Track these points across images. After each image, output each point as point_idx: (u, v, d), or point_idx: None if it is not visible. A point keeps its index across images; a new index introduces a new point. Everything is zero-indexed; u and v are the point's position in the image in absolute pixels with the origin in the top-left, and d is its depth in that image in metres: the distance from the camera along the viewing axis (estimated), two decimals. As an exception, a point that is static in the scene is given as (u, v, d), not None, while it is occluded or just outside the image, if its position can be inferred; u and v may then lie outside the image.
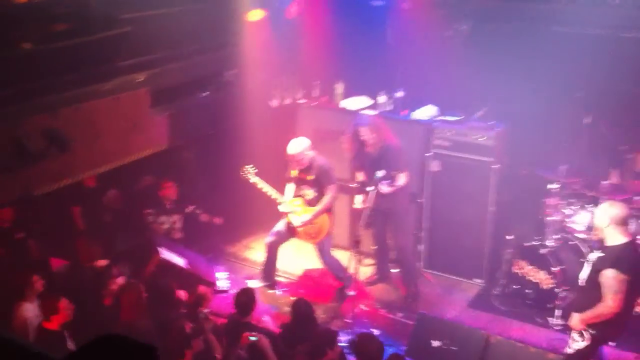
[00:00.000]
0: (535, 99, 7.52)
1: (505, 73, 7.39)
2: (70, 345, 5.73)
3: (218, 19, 7.78)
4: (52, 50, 6.15)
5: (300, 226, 7.42)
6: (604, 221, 5.32)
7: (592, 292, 5.29)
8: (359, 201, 7.33)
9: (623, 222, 5.27)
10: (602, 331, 5.34)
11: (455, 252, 7.84)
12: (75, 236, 7.61)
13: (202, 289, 6.58)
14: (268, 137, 7.90)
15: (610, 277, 5.13)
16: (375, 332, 6.94)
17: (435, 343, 6.33)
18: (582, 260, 6.76)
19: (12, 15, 6.09)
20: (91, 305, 6.34)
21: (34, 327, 5.99)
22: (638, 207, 6.81)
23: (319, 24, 8.46)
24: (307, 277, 8.05)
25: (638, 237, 5.84)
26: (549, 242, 7.13)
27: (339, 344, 5.84)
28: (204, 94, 8.08)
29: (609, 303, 5.15)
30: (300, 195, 7.44)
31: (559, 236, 7.19)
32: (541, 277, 7.09)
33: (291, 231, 7.56)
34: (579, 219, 7.11)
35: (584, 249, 6.99)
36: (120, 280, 6.56)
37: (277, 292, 7.80)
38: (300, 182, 7.40)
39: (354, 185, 8.00)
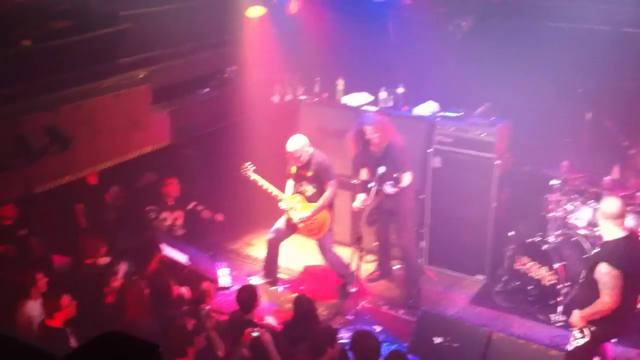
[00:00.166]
0: (537, 95, 7.49)
1: (507, 69, 7.36)
2: (73, 342, 5.73)
3: (218, 16, 7.76)
4: (52, 47, 6.14)
5: (301, 222, 7.41)
6: (600, 216, 5.36)
7: (590, 288, 5.29)
8: (360, 200, 7.29)
9: (619, 217, 5.26)
10: (602, 328, 5.32)
11: (457, 249, 7.83)
12: (77, 233, 7.60)
13: (204, 286, 6.58)
14: (269, 133, 7.89)
15: (603, 272, 5.13)
16: (377, 329, 6.96)
17: (437, 340, 6.32)
18: (584, 256, 6.78)
19: (12, 13, 6.08)
20: (93, 302, 6.34)
21: (38, 324, 6.01)
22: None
23: (320, 20, 8.44)
24: (309, 274, 8.04)
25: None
26: (551, 239, 7.11)
27: (340, 342, 5.84)
28: (204, 91, 8.07)
29: (606, 299, 5.14)
30: (300, 192, 7.43)
31: (561, 232, 7.18)
32: (543, 274, 7.07)
33: (292, 228, 7.56)
34: (581, 215, 7.09)
35: (586, 245, 6.98)
36: (122, 277, 6.56)
37: (279, 289, 7.80)
38: (299, 178, 7.40)
39: (356, 181, 8.02)
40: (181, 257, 7.35)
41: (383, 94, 8.16)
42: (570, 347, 5.53)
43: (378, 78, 8.27)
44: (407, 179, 7.07)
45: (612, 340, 5.85)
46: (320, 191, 7.35)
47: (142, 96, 7.03)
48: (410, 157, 7.34)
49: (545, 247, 7.04)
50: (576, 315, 5.40)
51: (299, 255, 8.35)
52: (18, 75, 5.87)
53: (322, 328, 5.98)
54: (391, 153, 7.07)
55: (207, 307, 6.24)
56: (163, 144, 7.44)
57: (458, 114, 7.80)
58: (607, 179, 7.05)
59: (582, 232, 7.09)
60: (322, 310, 6.99)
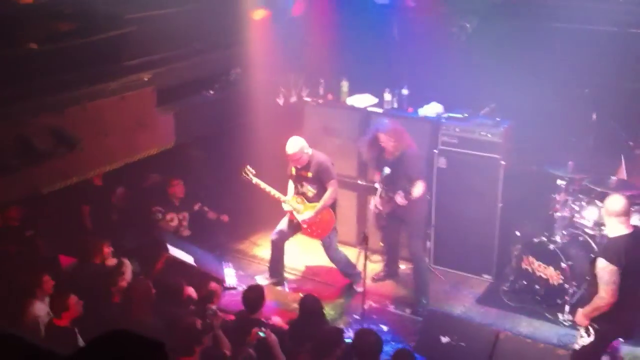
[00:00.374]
0: (542, 95, 7.49)
1: (511, 70, 7.36)
2: (81, 342, 5.76)
3: (223, 18, 7.79)
4: (58, 50, 6.18)
5: (304, 223, 7.43)
6: (604, 213, 5.39)
7: (593, 285, 5.30)
8: (374, 203, 7.30)
9: (623, 214, 5.26)
10: (606, 327, 5.31)
11: (463, 248, 7.82)
12: (83, 234, 7.63)
13: (212, 285, 6.60)
14: (274, 135, 7.90)
15: (600, 267, 5.14)
16: (384, 328, 6.95)
17: (444, 339, 6.32)
18: (591, 255, 6.75)
19: (18, 15, 6.12)
20: (100, 302, 6.36)
21: (45, 324, 6.02)
22: (646, 202, 6.78)
23: (324, 22, 8.45)
24: (315, 274, 8.05)
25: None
26: (558, 238, 7.10)
27: (346, 342, 5.83)
28: (209, 93, 8.09)
29: (602, 294, 5.14)
30: (301, 193, 7.46)
31: (568, 232, 7.17)
32: (550, 273, 7.06)
33: (295, 227, 7.59)
34: (588, 215, 7.07)
35: (592, 245, 6.96)
36: (129, 277, 6.58)
37: (285, 288, 7.81)
38: (300, 179, 7.43)
39: (361, 183, 8.05)
40: (187, 258, 7.37)
41: (387, 95, 8.16)
42: (576, 347, 5.52)
43: (382, 79, 8.27)
44: (418, 188, 6.98)
45: (621, 340, 5.84)
46: (321, 191, 7.37)
47: (147, 98, 7.05)
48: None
49: (551, 246, 7.02)
50: (579, 313, 5.40)
51: (305, 255, 8.37)
52: (25, 77, 5.90)
53: (329, 328, 5.97)
54: (404, 162, 7.02)
55: (214, 307, 6.25)
56: (168, 146, 7.47)
57: (463, 115, 7.79)
58: (613, 178, 7.02)
59: (589, 231, 7.07)
60: (328, 310, 6.99)
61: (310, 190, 7.42)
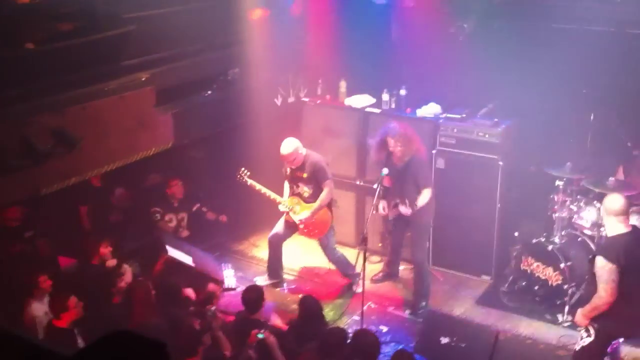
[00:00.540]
0: (541, 95, 7.50)
1: (510, 70, 7.37)
2: (80, 343, 5.75)
3: (222, 18, 7.77)
4: (57, 49, 6.15)
5: (301, 224, 7.43)
6: (603, 212, 5.41)
7: (592, 285, 5.32)
8: (381, 206, 7.29)
9: (621, 214, 5.27)
10: (606, 326, 5.32)
11: (462, 249, 7.82)
12: (82, 235, 7.62)
13: (211, 286, 6.59)
14: (272, 135, 7.89)
15: (599, 266, 5.16)
16: (384, 329, 6.95)
17: (444, 340, 6.32)
18: (589, 256, 6.76)
19: (17, 15, 6.10)
20: (100, 303, 6.35)
21: (43, 325, 6.02)
22: (645, 203, 6.79)
23: (323, 22, 8.45)
24: (314, 274, 8.05)
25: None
26: (557, 239, 7.11)
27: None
28: (208, 93, 8.07)
29: (601, 293, 5.15)
30: (297, 194, 7.45)
31: (566, 233, 7.18)
32: (549, 274, 7.07)
33: (292, 228, 7.59)
34: (586, 216, 7.07)
35: (591, 246, 6.97)
36: (129, 278, 6.57)
37: (285, 289, 7.80)
38: (296, 180, 7.43)
39: (360, 183, 8.03)
40: (186, 259, 7.36)
41: (386, 96, 8.16)
42: (577, 347, 5.53)
43: (380, 80, 8.29)
44: (424, 197, 6.96)
45: (621, 340, 5.84)
46: (317, 192, 7.37)
47: (146, 98, 7.03)
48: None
49: (550, 247, 7.03)
50: (578, 313, 5.41)
51: (304, 256, 8.36)
52: (24, 77, 5.87)
53: (333, 329, 5.95)
54: (412, 168, 6.98)
55: (213, 308, 6.24)
56: (167, 146, 7.45)
57: (461, 116, 7.80)
58: (611, 179, 7.02)
59: (587, 232, 7.08)
60: (327, 311, 6.98)
61: (305, 190, 7.42)
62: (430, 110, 7.96)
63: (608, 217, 5.33)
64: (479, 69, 7.47)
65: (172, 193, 8.12)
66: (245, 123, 8.24)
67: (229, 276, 7.84)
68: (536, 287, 7.18)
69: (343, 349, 5.45)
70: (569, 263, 6.92)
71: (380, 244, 8.25)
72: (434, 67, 7.86)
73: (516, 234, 7.57)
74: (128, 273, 6.71)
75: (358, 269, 7.21)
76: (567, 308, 6.90)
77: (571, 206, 7.14)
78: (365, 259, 6.70)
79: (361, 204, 8.38)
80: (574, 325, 6.64)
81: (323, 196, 7.34)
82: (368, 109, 8.23)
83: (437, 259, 8.04)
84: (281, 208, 7.53)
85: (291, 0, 8.45)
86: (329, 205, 7.51)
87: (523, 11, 7.73)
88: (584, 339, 5.42)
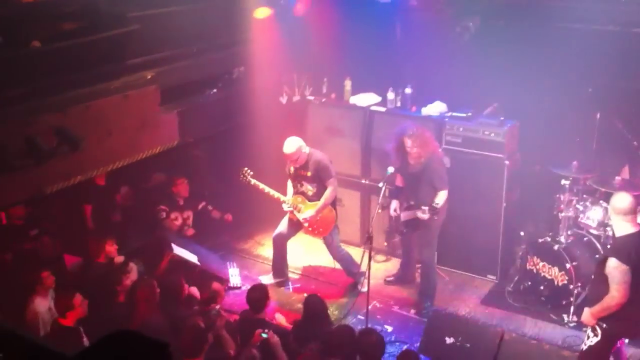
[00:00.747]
0: (546, 95, 7.48)
1: (515, 69, 7.35)
2: (86, 341, 5.76)
3: (226, 17, 7.76)
4: (61, 48, 6.16)
5: (305, 222, 7.41)
6: (611, 211, 5.37)
7: (600, 285, 5.28)
8: (392, 207, 7.27)
9: (629, 212, 5.24)
10: (614, 325, 5.29)
11: (468, 249, 7.80)
12: (87, 233, 7.63)
13: (215, 285, 6.58)
14: (277, 134, 7.88)
15: (612, 267, 5.13)
16: (389, 329, 6.93)
17: (449, 340, 6.29)
18: (595, 256, 6.74)
19: (21, 14, 6.10)
20: (105, 301, 6.36)
21: (45, 321, 6.05)
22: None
23: (327, 20, 8.43)
24: (319, 274, 8.04)
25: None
26: (562, 239, 7.08)
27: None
28: (212, 92, 8.07)
29: (614, 294, 5.12)
30: (301, 192, 7.44)
31: (572, 232, 7.15)
32: (555, 274, 7.04)
33: (296, 226, 7.58)
34: (592, 215, 7.04)
35: (597, 246, 6.94)
36: (134, 276, 6.57)
37: (290, 288, 7.80)
38: (299, 179, 7.42)
39: (365, 182, 8.00)
40: (191, 257, 7.36)
41: (391, 94, 8.14)
42: (584, 347, 5.50)
43: (386, 78, 8.26)
44: (442, 197, 6.91)
45: (626, 341, 5.82)
46: (320, 190, 7.36)
47: (150, 97, 7.03)
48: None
49: (556, 247, 7.00)
50: (586, 313, 5.37)
51: (309, 255, 8.36)
52: (28, 76, 5.87)
53: (341, 328, 5.92)
54: (429, 170, 6.93)
55: (217, 307, 6.23)
56: (172, 145, 7.44)
57: (466, 114, 7.77)
58: (617, 178, 7.00)
59: (593, 232, 7.05)
60: (332, 310, 6.97)
61: (309, 189, 7.40)
62: (435, 108, 7.94)
63: (616, 216, 5.30)
64: (485, 68, 7.45)
65: (178, 191, 8.15)
66: (250, 122, 8.24)
67: (234, 275, 7.85)
68: (541, 287, 7.15)
69: (351, 348, 5.43)
70: (574, 263, 6.89)
71: (385, 243, 8.24)
72: (439, 66, 7.85)
73: (522, 233, 7.55)
74: (134, 271, 6.71)
75: (363, 267, 7.19)
76: (572, 308, 6.87)
77: (577, 205, 7.11)
78: (370, 258, 6.68)
79: (366, 202, 8.37)
80: (579, 326, 6.65)
81: (327, 194, 7.33)
82: (373, 108, 8.22)
83: (443, 258, 8.01)
84: (285, 207, 7.52)
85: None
86: (333, 203, 7.50)
87: (528, 11, 7.70)
88: (590, 338, 5.39)
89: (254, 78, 8.17)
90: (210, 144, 8.80)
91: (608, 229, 6.75)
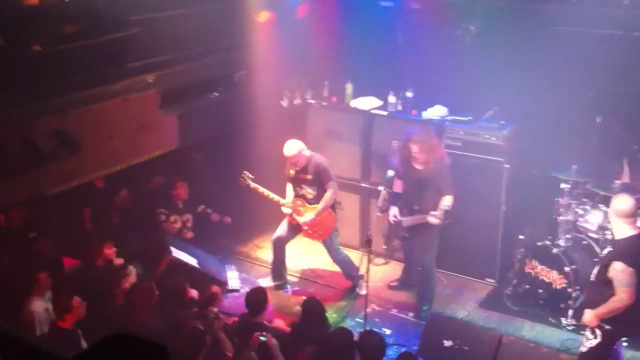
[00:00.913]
0: (546, 98, 7.47)
1: (515, 73, 7.34)
2: (84, 344, 5.77)
3: (227, 20, 7.79)
4: (62, 51, 6.19)
5: (305, 225, 7.42)
6: (611, 213, 5.37)
7: (602, 287, 5.30)
8: (392, 213, 7.22)
9: (630, 215, 5.26)
10: (617, 326, 5.30)
11: (466, 252, 7.80)
12: (85, 236, 7.64)
13: (213, 288, 6.60)
14: (278, 137, 7.90)
15: (618, 270, 5.14)
16: (387, 332, 6.94)
17: (447, 343, 6.29)
18: (594, 260, 6.74)
19: (23, 17, 6.13)
20: (104, 304, 6.37)
21: (41, 321, 6.06)
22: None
23: (328, 24, 8.45)
24: (318, 276, 8.05)
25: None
26: (561, 242, 7.09)
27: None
28: (213, 95, 8.09)
29: (622, 296, 5.13)
30: (301, 195, 7.45)
31: (571, 236, 7.15)
32: (553, 277, 7.04)
33: (296, 229, 7.59)
34: (591, 219, 7.05)
35: (596, 249, 6.94)
36: (133, 279, 6.58)
37: (288, 291, 7.81)
38: (299, 181, 7.43)
39: (365, 185, 8.02)
40: (190, 260, 7.37)
41: (392, 98, 8.15)
42: (583, 349, 5.51)
43: (387, 82, 8.27)
44: (448, 201, 6.91)
45: (624, 344, 5.83)
46: (320, 193, 7.37)
47: (150, 100, 7.06)
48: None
49: (555, 250, 7.01)
50: (590, 314, 5.37)
51: (307, 258, 8.36)
52: (28, 78, 5.91)
53: (338, 331, 5.94)
54: (436, 176, 6.91)
55: (216, 309, 6.24)
56: (172, 148, 7.47)
57: (467, 118, 7.78)
58: (617, 182, 7.01)
59: (592, 235, 7.06)
60: (330, 313, 6.98)
61: (309, 192, 7.42)
62: (436, 112, 7.95)
63: (617, 218, 5.31)
64: (485, 72, 7.45)
65: (177, 194, 8.16)
66: (250, 125, 8.25)
67: (233, 278, 7.87)
68: (540, 291, 7.15)
69: (349, 351, 5.44)
70: (573, 266, 6.89)
71: (384, 246, 8.25)
72: (440, 70, 7.85)
73: (521, 236, 7.54)
74: (132, 274, 6.73)
75: (362, 271, 7.20)
76: (570, 311, 6.87)
77: (576, 209, 7.13)
78: (369, 261, 6.68)
79: (366, 206, 8.38)
80: (577, 329, 6.67)
81: (327, 197, 7.34)
82: (374, 111, 8.23)
83: (441, 261, 7.97)
84: (285, 210, 7.53)
85: (297, 3, 8.46)
86: (333, 206, 7.51)
87: (529, 14, 7.70)
88: (589, 340, 5.41)
89: (254, 82, 8.19)
90: (210, 147, 8.82)
91: (607, 232, 6.75)
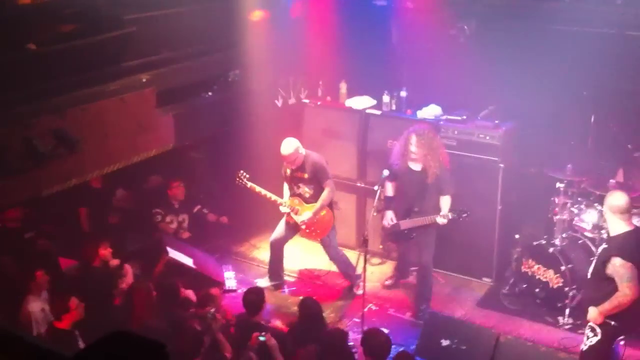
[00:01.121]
0: (541, 97, 7.48)
1: (510, 72, 7.35)
2: (82, 344, 5.75)
3: (222, 19, 7.77)
4: (58, 51, 6.16)
5: (303, 224, 7.41)
6: (606, 209, 5.39)
7: (600, 283, 5.32)
8: (388, 217, 7.17)
9: (624, 211, 5.28)
10: (622, 322, 5.32)
11: (463, 251, 7.80)
12: (82, 236, 7.62)
13: (213, 290, 6.58)
14: (273, 136, 7.90)
15: (618, 265, 5.16)
16: (385, 331, 6.92)
17: (445, 342, 6.30)
18: (590, 258, 6.75)
19: (18, 16, 6.10)
20: (101, 304, 6.35)
21: (38, 320, 6.04)
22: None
23: (323, 23, 8.44)
24: (315, 276, 8.04)
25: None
26: (557, 241, 7.10)
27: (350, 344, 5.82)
28: (208, 94, 8.08)
29: (626, 291, 5.15)
30: (298, 194, 7.44)
31: (567, 235, 7.17)
32: (550, 276, 7.06)
33: (294, 229, 7.58)
34: (587, 218, 7.07)
35: (592, 248, 6.96)
36: (130, 279, 6.56)
37: (285, 291, 7.80)
38: (296, 181, 7.41)
39: (361, 185, 8.02)
40: (187, 260, 7.35)
41: (386, 97, 8.16)
42: (584, 347, 5.52)
43: (381, 81, 8.27)
44: (448, 202, 6.94)
45: (622, 342, 5.83)
46: (317, 192, 7.35)
47: (147, 99, 7.03)
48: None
49: (551, 249, 7.03)
50: (594, 312, 5.35)
51: (305, 258, 8.35)
52: (25, 78, 5.88)
53: (333, 330, 5.94)
54: (439, 180, 6.88)
55: (213, 310, 6.22)
56: (168, 147, 7.45)
57: (462, 117, 7.79)
58: (612, 181, 7.03)
59: (588, 234, 7.08)
60: (327, 313, 6.97)
61: (306, 191, 7.40)
62: (430, 111, 7.95)
63: (612, 215, 5.32)
64: (480, 71, 7.47)
65: (173, 194, 8.13)
66: (246, 124, 8.23)
67: (230, 278, 7.85)
68: (537, 290, 7.17)
69: (344, 351, 5.44)
70: (569, 265, 6.91)
71: (381, 246, 8.24)
72: (434, 69, 7.85)
73: (517, 236, 7.57)
74: (129, 274, 6.70)
75: (359, 270, 7.19)
76: (567, 310, 6.90)
77: (572, 208, 7.14)
78: (366, 261, 6.67)
79: (362, 205, 8.38)
80: (575, 328, 6.69)
81: (324, 196, 7.32)
82: (368, 111, 8.23)
83: (438, 261, 7.96)
84: (282, 209, 7.50)
85: (291, 2, 8.45)
86: (330, 205, 7.50)
87: (524, 13, 7.71)
88: (590, 338, 5.42)
89: (249, 81, 8.18)
90: (206, 146, 8.80)
91: (603, 231, 6.77)
